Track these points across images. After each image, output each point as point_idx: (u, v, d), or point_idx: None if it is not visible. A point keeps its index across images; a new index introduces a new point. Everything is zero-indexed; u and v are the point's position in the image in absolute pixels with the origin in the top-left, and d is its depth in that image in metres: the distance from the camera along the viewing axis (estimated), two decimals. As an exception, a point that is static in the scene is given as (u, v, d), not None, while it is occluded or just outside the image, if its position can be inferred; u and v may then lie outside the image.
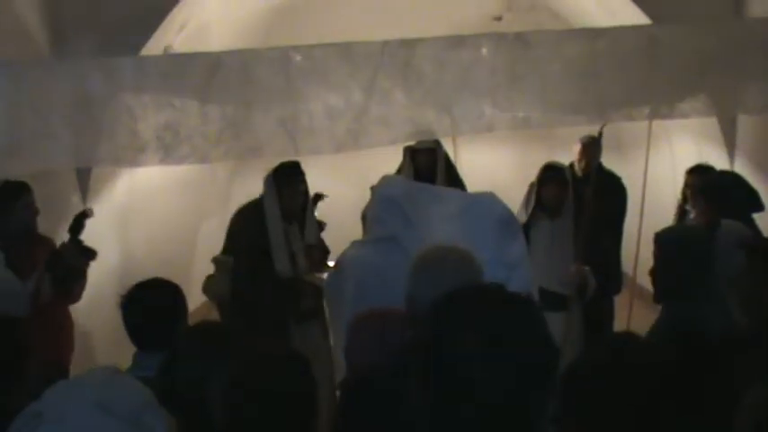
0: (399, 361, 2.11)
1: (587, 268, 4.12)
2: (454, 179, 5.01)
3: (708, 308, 2.61)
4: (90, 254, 4.03)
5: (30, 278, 3.78)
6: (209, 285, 4.72)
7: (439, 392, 1.30)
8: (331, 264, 4.88)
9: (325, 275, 4.47)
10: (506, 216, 3.22)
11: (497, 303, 1.35)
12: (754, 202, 4.21)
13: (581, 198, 4.42)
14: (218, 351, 2.15)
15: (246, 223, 4.54)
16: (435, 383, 1.30)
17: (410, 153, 5.03)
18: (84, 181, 5.18)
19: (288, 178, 4.39)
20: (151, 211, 6.00)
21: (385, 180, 3.54)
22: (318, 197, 4.82)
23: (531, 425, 1.30)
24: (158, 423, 1.52)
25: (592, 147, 5.30)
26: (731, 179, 4.52)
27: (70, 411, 1.43)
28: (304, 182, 4.49)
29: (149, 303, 2.69)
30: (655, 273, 2.95)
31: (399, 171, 5.14)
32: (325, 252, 4.80)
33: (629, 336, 1.83)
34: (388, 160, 6.01)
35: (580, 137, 5.44)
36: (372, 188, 3.90)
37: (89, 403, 1.43)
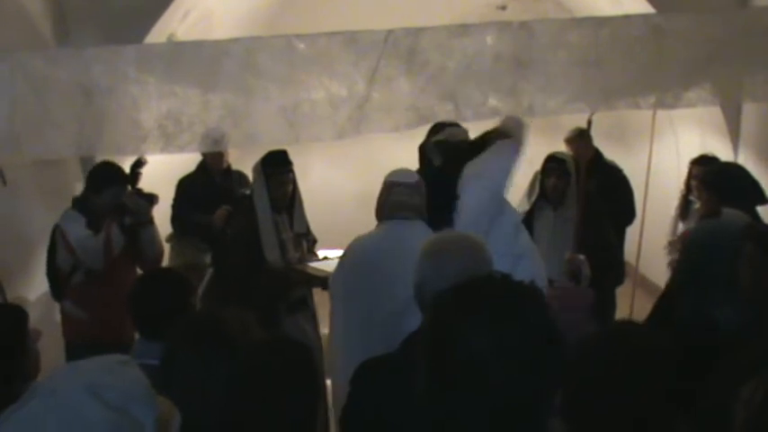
0: (409, 346, 2.12)
1: (582, 257, 4.12)
2: None
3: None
4: (151, 198, 4.27)
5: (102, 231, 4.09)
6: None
7: (443, 380, 1.30)
8: (320, 253, 4.93)
9: (313, 264, 4.61)
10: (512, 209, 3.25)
11: (503, 294, 1.34)
12: (757, 194, 4.20)
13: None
14: (217, 342, 2.15)
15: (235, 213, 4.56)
16: (440, 371, 1.30)
17: (438, 147, 4.24)
18: (88, 169, 5.19)
19: (275, 168, 4.36)
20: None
21: (397, 173, 3.53)
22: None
23: (536, 415, 1.30)
24: (148, 415, 1.53)
25: (576, 141, 5.28)
26: (735, 170, 4.51)
27: (60, 390, 1.46)
28: (292, 171, 4.46)
29: (158, 294, 2.70)
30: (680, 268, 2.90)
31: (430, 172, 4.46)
32: (312, 241, 4.82)
33: (628, 324, 1.83)
34: (388, 150, 6.00)
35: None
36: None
37: (80, 385, 1.46)
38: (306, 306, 4.57)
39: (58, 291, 4.29)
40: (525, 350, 1.26)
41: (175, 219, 5.26)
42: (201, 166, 5.37)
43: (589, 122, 4.42)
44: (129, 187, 4.24)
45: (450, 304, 1.34)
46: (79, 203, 4.24)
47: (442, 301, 1.36)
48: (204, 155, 5.24)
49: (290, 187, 4.47)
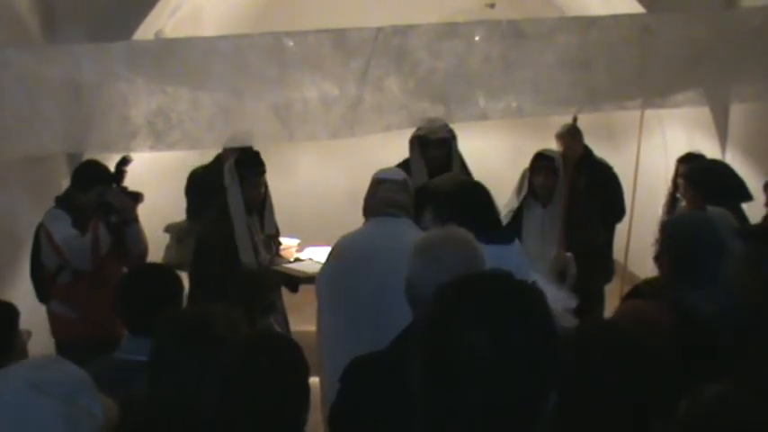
0: (400, 344, 2.12)
1: (569, 255, 4.14)
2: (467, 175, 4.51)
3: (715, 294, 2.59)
4: (136, 196, 4.21)
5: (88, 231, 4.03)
6: (167, 256, 4.93)
7: (441, 377, 1.30)
8: (307, 250, 5.05)
9: (288, 266, 4.74)
10: None
11: (504, 291, 1.34)
12: (742, 191, 4.24)
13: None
14: (205, 339, 2.14)
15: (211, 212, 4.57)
16: (438, 367, 1.30)
17: (419, 144, 4.36)
18: (75, 166, 5.17)
19: (250, 170, 4.34)
20: (143, 197, 5.99)
21: (385, 170, 3.57)
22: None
23: (533, 414, 1.30)
24: (95, 404, 1.56)
25: (565, 137, 5.31)
26: (720, 168, 4.55)
27: (4, 392, 1.48)
28: (265, 173, 4.46)
29: (146, 289, 2.69)
30: (661, 258, 2.93)
31: (406, 164, 4.48)
32: (278, 243, 4.91)
33: (602, 321, 1.84)
34: (377, 147, 6.00)
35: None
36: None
37: (23, 385, 1.48)
38: (275, 308, 4.58)
39: (43, 291, 4.23)
40: (525, 348, 1.26)
41: (190, 206, 5.15)
42: (218, 161, 5.32)
43: (575, 118, 4.45)
44: (115, 185, 4.19)
45: (452, 298, 1.34)
46: (63, 202, 4.17)
47: (442, 295, 1.36)
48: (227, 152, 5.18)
49: (263, 189, 4.48)
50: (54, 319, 4.21)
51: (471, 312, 1.29)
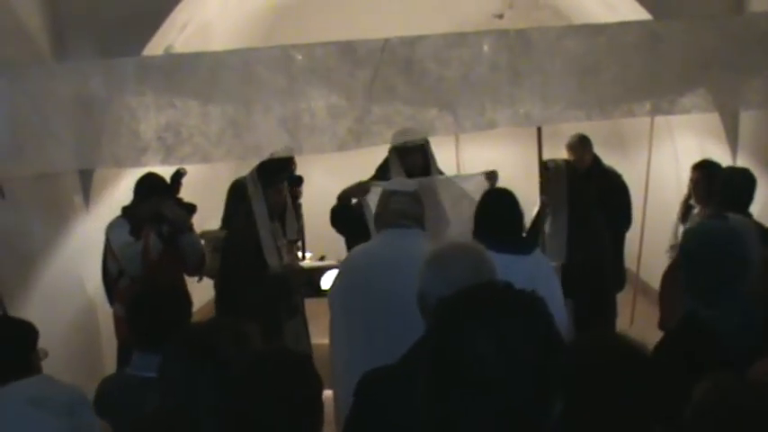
0: (413, 356, 2.11)
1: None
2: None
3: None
4: (190, 208, 4.41)
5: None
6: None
7: (446, 383, 1.30)
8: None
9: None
10: None
11: (507, 299, 1.34)
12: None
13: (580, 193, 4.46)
14: (207, 355, 2.13)
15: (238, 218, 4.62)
16: (443, 375, 1.30)
17: (398, 153, 4.55)
18: (87, 182, 5.20)
19: (271, 177, 4.44)
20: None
21: (395, 182, 3.58)
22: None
23: (538, 418, 1.30)
24: (92, 417, 1.60)
25: (575, 146, 5.31)
26: (738, 177, 4.52)
27: (6, 407, 1.52)
28: (285, 179, 4.59)
29: (155, 306, 2.70)
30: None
31: (381, 172, 4.74)
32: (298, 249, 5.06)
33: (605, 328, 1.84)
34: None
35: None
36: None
37: (21, 400, 1.52)
38: (298, 312, 4.65)
39: (110, 294, 4.54)
40: (529, 353, 1.26)
41: (227, 213, 5.10)
42: None
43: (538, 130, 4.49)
44: (171, 196, 4.36)
45: (455, 309, 1.35)
46: (127, 211, 4.43)
47: (446, 306, 1.37)
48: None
49: (285, 195, 4.56)
50: (117, 320, 4.45)
51: (476, 320, 1.30)
